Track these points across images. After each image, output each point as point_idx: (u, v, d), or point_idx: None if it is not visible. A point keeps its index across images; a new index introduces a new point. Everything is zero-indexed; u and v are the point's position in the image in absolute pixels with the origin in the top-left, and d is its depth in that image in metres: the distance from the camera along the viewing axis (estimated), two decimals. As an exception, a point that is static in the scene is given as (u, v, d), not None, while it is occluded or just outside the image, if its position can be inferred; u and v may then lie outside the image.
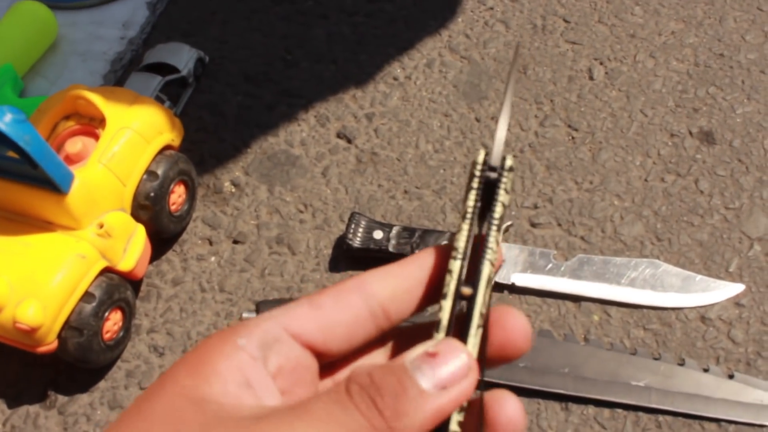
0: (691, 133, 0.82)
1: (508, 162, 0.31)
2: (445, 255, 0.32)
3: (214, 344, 0.29)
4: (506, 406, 0.29)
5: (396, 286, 0.32)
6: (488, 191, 0.31)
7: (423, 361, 0.27)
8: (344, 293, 0.31)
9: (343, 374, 0.32)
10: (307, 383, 0.31)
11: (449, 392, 0.27)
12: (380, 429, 0.26)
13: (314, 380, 0.31)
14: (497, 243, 0.31)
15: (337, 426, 0.26)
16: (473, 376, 0.28)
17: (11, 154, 0.64)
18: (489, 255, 0.30)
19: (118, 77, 0.92)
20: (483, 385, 0.29)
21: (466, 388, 0.27)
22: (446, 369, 0.27)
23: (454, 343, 0.28)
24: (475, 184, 0.31)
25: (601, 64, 0.87)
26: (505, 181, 0.31)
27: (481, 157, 0.31)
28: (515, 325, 0.31)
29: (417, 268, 0.32)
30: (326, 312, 0.31)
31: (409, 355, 0.28)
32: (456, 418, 0.28)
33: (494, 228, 0.31)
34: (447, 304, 0.30)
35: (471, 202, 0.31)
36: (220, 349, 0.29)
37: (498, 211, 0.31)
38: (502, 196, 0.31)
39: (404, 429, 0.26)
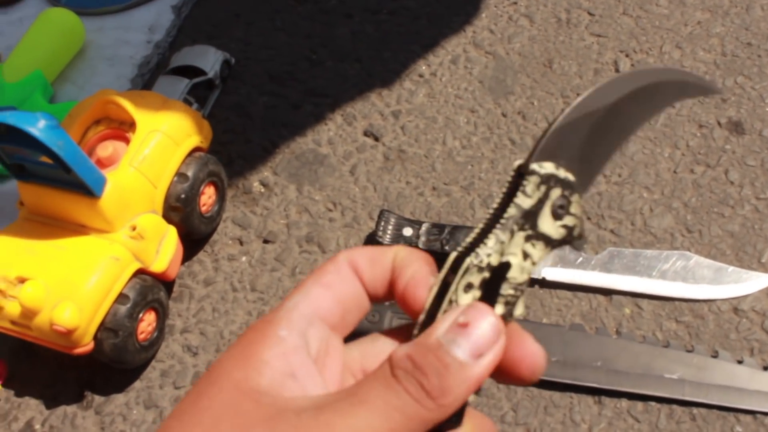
0: (719, 123, 0.81)
1: (542, 168, 0.31)
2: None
3: (257, 337, 0.30)
4: (525, 343, 0.31)
5: (375, 261, 0.33)
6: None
7: (456, 333, 0.29)
8: (342, 269, 0.33)
9: (357, 350, 0.34)
10: (339, 363, 0.32)
11: (486, 358, 0.28)
12: (432, 408, 0.28)
13: (341, 358, 0.33)
14: (499, 242, 0.30)
15: (395, 411, 0.27)
16: (503, 338, 0.29)
17: (45, 159, 0.65)
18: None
19: (146, 81, 0.93)
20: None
21: (499, 350, 0.29)
22: (479, 337, 0.29)
23: (481, 307, 0.29)
24: (504, 189, 0.32)
25: (627, 56, 0.87)
26: (527, 183, 0.31)
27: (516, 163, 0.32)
28: (528, 350, 0.31)
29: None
30: (336, 289, 0.32)
31: (440, 329, 0.29)
32: None
33: (499, 227, 0.31)
34: (432, 291, 0.31)
35: (495, 204, 0.32)
36: (264, 341, 0.30)
37: (510, 211, 0.31)
38: (520, 198, 0.31)
39: (452, 403, 0.28)
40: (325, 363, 0.31)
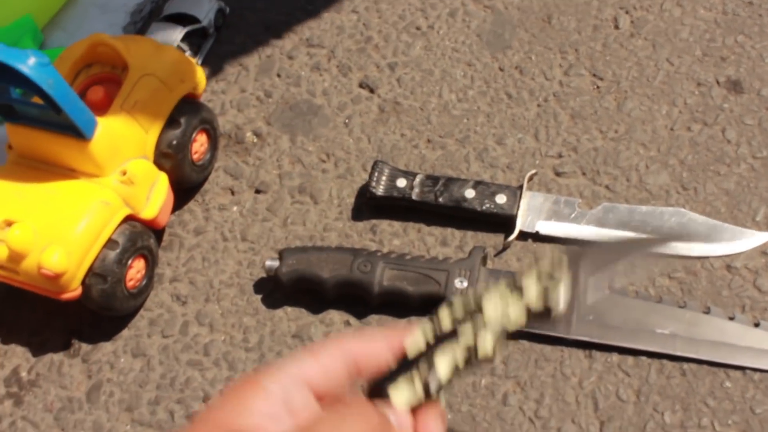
0: (718, 82, 0.80)
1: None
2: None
3: (246, 386, 0.35)
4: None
5: (369, 345, 0.38)
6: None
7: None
8: (332, 346, 0.37)
9: None
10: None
11: None
12: None
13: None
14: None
15: None
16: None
17: (35, 99, 0.64)
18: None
19: (138, 29, 0.92)
20: None
21: None
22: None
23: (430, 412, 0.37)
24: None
25: (626, 12, 0.86)
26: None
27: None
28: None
29: (385, 337, 0.38)
30: (324, 361, 0.36)
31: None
32: None
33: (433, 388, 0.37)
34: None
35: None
36: (251, 389, 0.34)
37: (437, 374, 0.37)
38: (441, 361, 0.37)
39: None
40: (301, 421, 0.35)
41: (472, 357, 0.37)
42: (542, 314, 0.39)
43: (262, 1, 0.92)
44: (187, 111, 0.74)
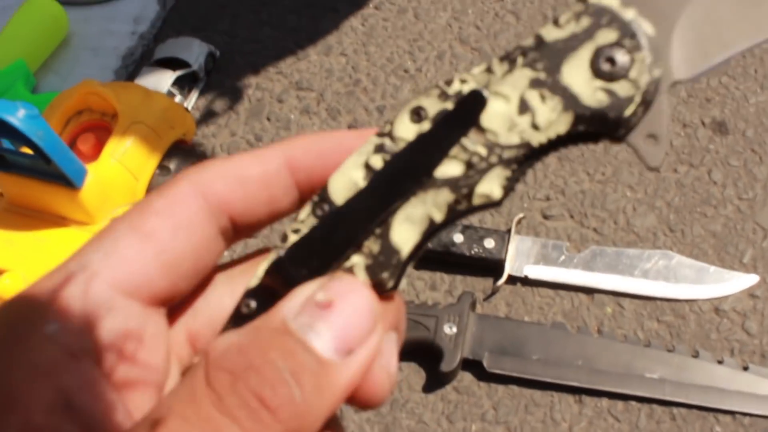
0: (703, 123, 0.81)
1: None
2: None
3: (9, 342, 0.19)
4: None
5: (241, 178, 0.22)
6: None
7: (314, 317, 0.19)
8: (179, 199, 0.21)
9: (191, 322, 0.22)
10: (159, 359, 0.21)
11: (358, 355, 0.19)
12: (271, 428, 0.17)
13: (164, 351, 0.21)
14: (485, 71, 0.22)
15: None
16: (380, 326, 0.20)
17: (25, 149, 0.64)
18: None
19: (130, 72, 0.92)
20: None
21: (375, 344, 0.20)
22: (348, 322, 0.19)
23: (349, 280, 0.20)
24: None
25: (612, 54, 0.87)
26: (563, 13, 0.21)
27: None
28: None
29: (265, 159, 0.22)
30: (162, 240, 0.21)
31: (289, 308, 0.19)
32: None
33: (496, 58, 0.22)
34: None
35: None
36: (16, 347, 0.18)
37: (524, 42, 0.21)
38: (546, 28, 0.21)
39: (309, 428, 0.18)
40: (132, 372, 0.20)
41: (461, 200, 0.22)
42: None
43: (251, 45, 0.93)
44: (177, 157, 0.74)
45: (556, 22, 0.21)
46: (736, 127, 0.80)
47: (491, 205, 0.21)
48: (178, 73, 0.86)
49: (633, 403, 0.66)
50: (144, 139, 0.71)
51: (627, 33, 0.21)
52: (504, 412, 0.67)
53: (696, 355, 0.67)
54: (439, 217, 0.22)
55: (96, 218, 0.68)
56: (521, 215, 0.76)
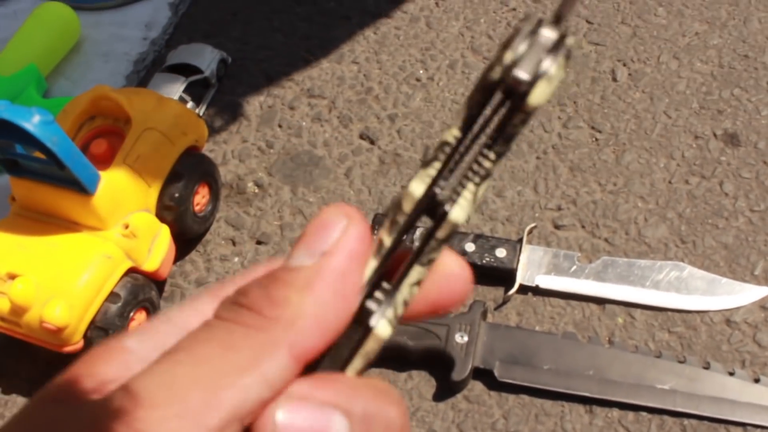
0: (715, 135, 0.81)
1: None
2: None
3: (99, 351, 0.22)
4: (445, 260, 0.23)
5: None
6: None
7: (298, 244, 0.22)
8: (207, 294, 0.24)
9: None
10: None
11: (337, 256, 0.21)
12: (260, 326, 0.20)
13: None
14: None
15: (222, 351, 0.20)
16: (359, 228, 0.22)
17: (38, 154, 0.64)
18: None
19: (141, 78, 0.93)
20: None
21: (353, 242, 0.21)
22: (323, 236, 0.21)
23: (328, 210, 0.22)
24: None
25: (624, 65, 0.87)
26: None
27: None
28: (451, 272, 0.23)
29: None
30: (199, 308, 0.24)
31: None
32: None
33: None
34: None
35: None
36: (105, 354, 0.22)
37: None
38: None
39: (294, 314, 0.20)
40: None
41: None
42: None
43: (263, 52, 0.93)
44: (189, 163, 0.74)
45: None
46: (748, 139, 0.80)
47: None
48: (190, 79, 0.86)
49: (644, 413, 0.66)
50: (157, 145, 0.71)
51: None
52: (514, 422, 0.67)
53: (707, 367, 0.67)
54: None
55: (108, 224, 0.69)
56: (533, 225, 0.75)
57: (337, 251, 0.21)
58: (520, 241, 0.73)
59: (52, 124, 0.61)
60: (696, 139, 0.81)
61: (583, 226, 0.76)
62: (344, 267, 0.21)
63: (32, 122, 0.59)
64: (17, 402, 0.72)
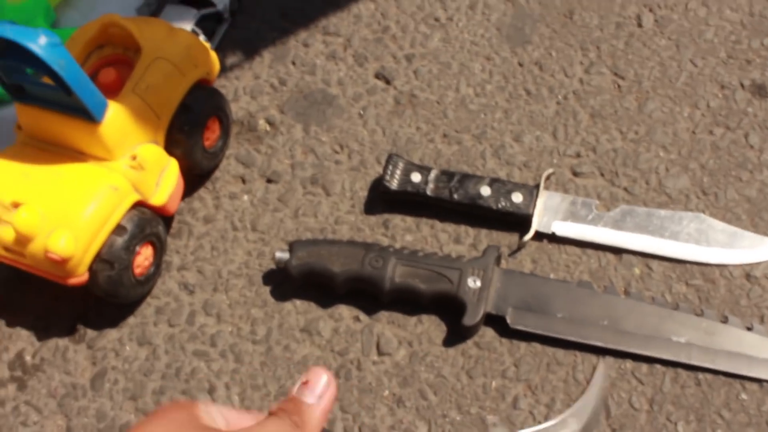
0: (742, 85, 0.79)
1: None
2: None
3: (186, 403, 0.41)
4: None
5: None
6: None
7: (303, 389, 0.41)
8: None
9: None
10: None
11: (325, 397, 0.41)
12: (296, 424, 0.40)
13: None
14: None
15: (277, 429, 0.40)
16: (333, 384, 0.42)
17: (45, 80, 0.62)
18: None
19: (152, 11, 0.90)
20: None
21: (333, 393, 0.42)
22: (317, 387, 0.41)
23: (316, 369, 0.42)
24: None
25: (650, 10, 0.84)
26: None
27: None
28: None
29: None
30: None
31: (294, 388, 0.42)
32: None
33: None
34: None
35: None
36: (192, 405, 0.40)
37: None
38: None
39: (314, 427, 0.40)
40: None
41: None
42: None
43: (278, -13, 0.90)
44: (199, 96, 0.72)
45: None
46: (775, 91, 0.78)
47: None
48: (203, 12, 0.84)
49: (658, 366, 0.65)
50: (167, 75, 0.69)
51: None
52: (525, 370, 0.66)
53: (725, 321, 0.66)
54: None
55: (115, 154, 0.67)
56: (551, 170, 0.73)
57: (326, 396, 0.41)
58: (537, 186, 0.72)
59: (59, 46, 0.59)
60: (722, 89, 0.79)
61: (602, 174, 0.74)
62: (329, 406, 0.41)
63: (38, 43, 0.57)
64: (21, 335, 0.71)
